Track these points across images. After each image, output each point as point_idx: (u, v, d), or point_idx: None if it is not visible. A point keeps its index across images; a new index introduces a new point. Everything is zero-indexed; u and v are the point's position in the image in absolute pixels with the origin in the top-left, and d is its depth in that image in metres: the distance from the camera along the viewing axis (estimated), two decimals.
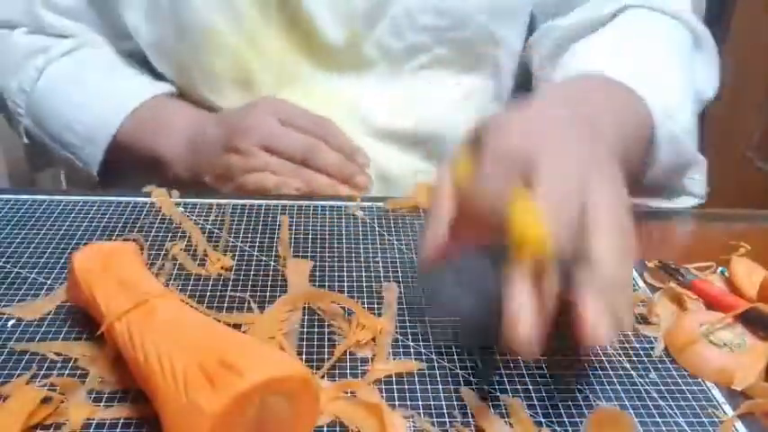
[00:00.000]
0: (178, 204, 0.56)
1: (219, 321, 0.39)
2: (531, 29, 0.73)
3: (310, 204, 0.58)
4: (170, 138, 0.66)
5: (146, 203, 0.56)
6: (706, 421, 0.38)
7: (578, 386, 0.40)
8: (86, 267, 0.41)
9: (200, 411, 0.31)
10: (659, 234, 0.56)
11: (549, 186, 0.35)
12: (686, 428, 0.37)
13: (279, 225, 0.54)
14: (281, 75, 0.68)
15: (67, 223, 0.53)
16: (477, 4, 0.67)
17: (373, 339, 0.42)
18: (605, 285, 0.34)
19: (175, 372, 0.33)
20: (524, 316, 0.33)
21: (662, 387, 0.40)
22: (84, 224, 0.53)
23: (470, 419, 0.37)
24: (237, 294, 0.46)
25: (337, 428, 0.36)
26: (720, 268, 0.50)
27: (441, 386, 0.39)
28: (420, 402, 0.38)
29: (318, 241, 0.53)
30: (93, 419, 0.36)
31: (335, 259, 0.50)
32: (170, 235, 0.52)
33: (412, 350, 0.42)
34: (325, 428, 0.36)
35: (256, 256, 0.50)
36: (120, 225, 0.53)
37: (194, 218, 0.55)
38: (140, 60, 0.72)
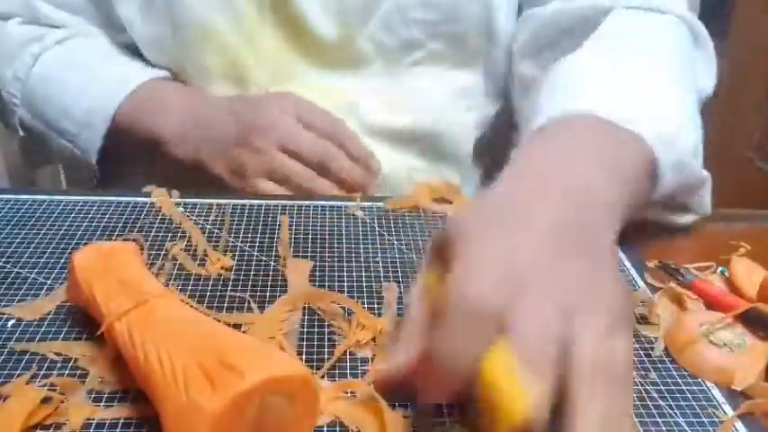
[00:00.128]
0: (178, 204, 0.56)
1: (219, 321, 0.39)
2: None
3: (310, 204, 0.58)
4: (168, 118, 0.65)
5: (146, 203, 0.56)
6: (706, 421, 0.38)
7: None
8: (86, 267, 0.41)
9: (200, 411, 0.31)
10: (659, 234, 0.56)
11: (525, 343, 0.31)
12: (686, 428, 0.37)
13: (279, 225, 0.54)
14: (276, 72, 0.68)
15: (67, 223, 0.53)
16: None
17: (373, 339, 0.42)
18: None
19: (175, 371, 0.33)
20: None
21: (662, 387, 0.40)
22: (84, 224, 0.53)
23: None
24: (237, 294, 0.46)
25: (337, 428, 0.36)
26: (720, 268, 0.50)
27: None
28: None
29: (318, 241, 0.53)
30: (93, 419, 0.36)
31: (335, 259, 0.50)
32: (170, 235, 0.52)
33: None
34: (325, 428, 0.36)
35: (256, 256, 0.50)
36: (120, 225, 0.53)
37: (194, 218, 0.55)
38: (136, 53, 0.71)
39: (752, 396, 0.40)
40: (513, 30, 0.70)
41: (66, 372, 0.39)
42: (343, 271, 0.49)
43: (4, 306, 0.44)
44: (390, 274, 0.49)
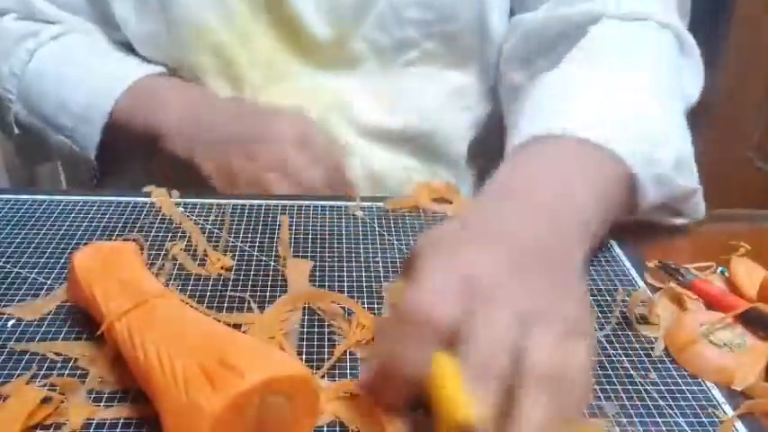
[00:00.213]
0: (178, 204, 0.56)
1: (219, 321, 0.39)
2: None
3: (310, 204, 0.58)
4: (168, 113, 0.65)
5: (146, 203, 0.56)
6: (706, 421, 0.38)
7: None
8: (86, 267, 0.41)
9: (200, 411, 0.31)
10: (659, 234, 0.56)
11: (475, 354, 0.32)
12: (686, 428, 0.37)
13: (279, 225, 0.54)
14: (270, 71, 0.68)
15: (67, 223, 0.53)
16: None
17: (373, 339, 0.42)
18: None
19: (175, 371, 0.33)
20: None
21: (662, 387, 0.40)
22: (84, 224, 0.53)
23: None
24: (237, 294, 0.46)
25: (337, 428, 0.36)
26: (720, 268, 0.50)
27: None
28: None
29: (318, 241, 0.53)
30: (93, 419, 0.36)
31: (335, 259, 0.50)
32: (170, 235, 0.52)
33: None
34: (325, 428, 0.36)
35: (256, 256, 0.50)
36: (120, 225, 0.53)
37: (194, 218, 0.55)
38: (132, 51, 0.71)
39: (752, 396, 0.40)
40: (505, 27, 0.70)
41: (67, 372, 0.39)
42: (343, 271, 0.49)
43: (4, 306, 0.44)
44: (390, 274, 0.49)
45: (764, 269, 0.49)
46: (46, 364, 0.39)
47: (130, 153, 0.69)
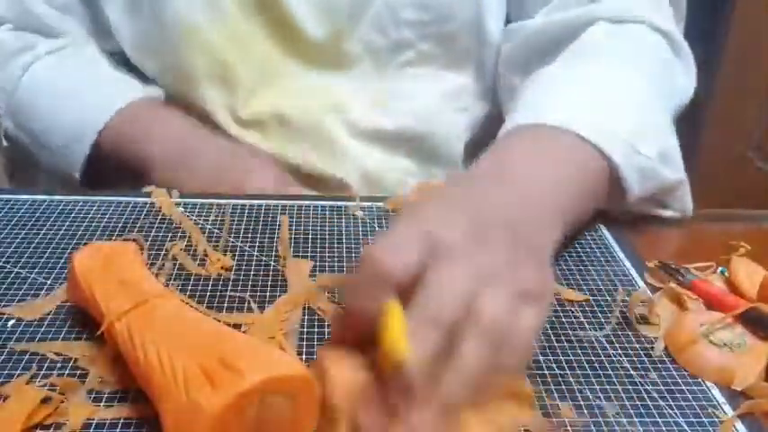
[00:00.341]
0: (178, 204, 0.56)
1: (219, 321, 0.39)
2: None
3: (310, 204, 0.58)
4: (162, 144, 0.65)
5: (146, 203, 0.56)
6: (706, 421, 0.38)
7: (578, 386, 0.40)
8: (86, 267, 0.41)
9: (200, 411, 0.31)
10: (659, 234, 0.56)
11: (427, 302, 0.34)
12: (686, 428, 0.37)
13: (279, 225, 0.54)
14: (264, 72, 0.68)
15: (67, 223, 0.53)
16: None
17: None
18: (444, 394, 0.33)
19: (175, 371, 0.33)
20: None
21: (662, 387, 0.40)
22: (84, 224, 0.53)
23: None
24: (237, 294, 0.46)
25: None
26: (720, 268, 0.50)
27: None
28: None
29: (318, 241, 0.53)
30: (93, 419, 0.36)
31: (335, 259, 0.50)
32: (170, 235, 0.52)
33: None
34: None
35: (256, 256, 0.50)
36: (120, 225, 0.53)
37: (194, 218, 0.55)
38: (125, 61, 0.71)
39: (752, 396, 0.40)
40: (501, 31, 0.70)
41: (67, 372, 0.39)
42: (343, 271, 0.49)
43: (4, 306, 0.44)
44: None
45: (764, 269, 0.49)
46: (46, 364, 0.39)
47: (117, 175, 0.69)
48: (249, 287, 0.47)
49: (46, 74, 0.70)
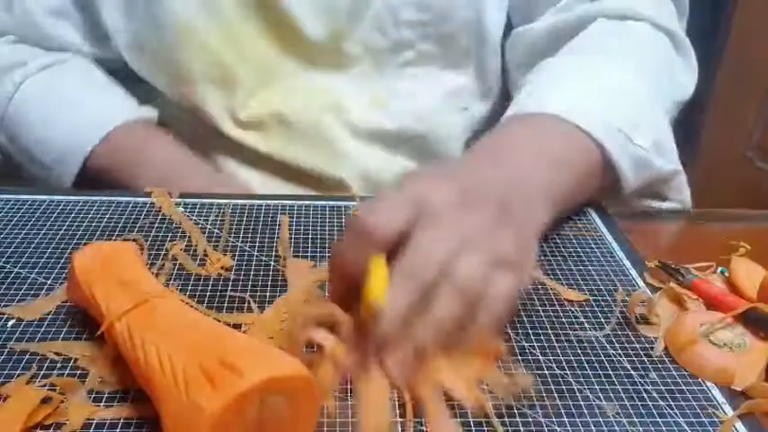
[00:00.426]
0: (178, 204, 0.56)
1: (219, 321, 0.39)
2: (506, 35, 0.73)
3: (310, 204, 0.58)
4: (148, 170, 0.65)
5: (146, 203, 0.56)
6: (706, 421, 0.38)
7: (578, 386, 0.40)
8: (86, 267, 0.41)
9: (200, 411, 0.31)
10: (659, 234, 0.56)
11: (409, 260, 0.37)
12: (686, 428, 0.37)
13: (279, 225, 0.54)
14: (263, 73, 0.68)
15: (67, 223, 0.53)
16: None
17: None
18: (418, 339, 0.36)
19: (175, 371, 0.33)
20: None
21: (662, 387, 0.40)
22: (85, 224, 0.53)
23: (469, 418, 0.37)
24: (237, 294, 0.46)
25: (337, 429, 0.36)
26: (720, 268, 0.50)
27: None
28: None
29: (318, 241, 0.53)
30: (93, 419, 0.36)
31: None
32: (170, 235, 0.52)
33: None
34: (325, 429, 0.36)
35: (256, 256, 0.50)
36: (120, 225, 0.53)
37: (194, 218, 0.55)
38: (123, 67, 0.71)
39: (752, 396, 0.40)
40: (500, 30, 0.71)
41: (66, 372, 0.39)
42: None
43: (4, 306, 0.44)
44: None
45: (764, 269, 0.49)
46: (46, 364, 0.39)
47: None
48: (249, 287, 0.47)
49: (37, 92, 0.70)
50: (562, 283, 0.49)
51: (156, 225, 0.54)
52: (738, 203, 0.66)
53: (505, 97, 0.74)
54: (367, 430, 0.34)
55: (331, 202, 0.58)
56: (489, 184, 0.43)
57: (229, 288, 0.47)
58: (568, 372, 0.41)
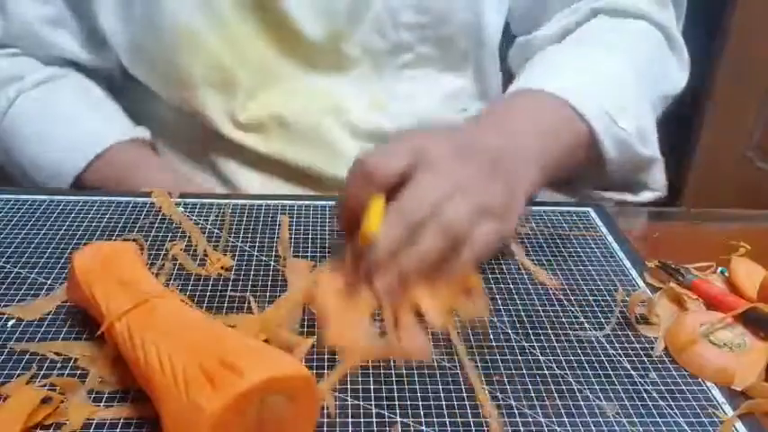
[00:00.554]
0: (178, 204, 0.56)
1: (219, 321, 0.39)
2: (505, 38, 0.74)
3: (310, 204, 0.58)
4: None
5: (146, 203, 0.56)
6: (706, 421, 0.38)
7: (578, 386, 0.40)
8: (86, 267, 0.41)
9: (200, 411, 0.31)
10: (659, 234, 0.56)
11: (404, 200, 0.43)
12: (686, 428, 0.37)
13: (279, 225, 0.54)
14: (262, 75, 0.67)
15: (67, 223, 0.53)
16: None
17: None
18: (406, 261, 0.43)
19: (176, 371, 0.33)
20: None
21: (662, 387, 0.40)
22: (85, 224, 0.53)
23: (470, 420, 0.37)
24: (237, 294, 0.46)
25: (337, 429, 0.36)
26: (720, 268, 0.50)
27: (440, 386, 0.39)
28: (420, 403, 0.38)
29: (318, 241, 0.53)
30: (93, 419, 0.36)
31: None
32: (170, 235, 0.52)
33: None
34: (325, 428, 0.36)
35: (256, 256, 0.50)
36: (120, 225, 0.53)
37: (194, 218, 0.55)
38: (123, 74, 0.71)
39: (752, 396, 0.40)
40: (500, 32, 0.72)
41: (66, 372, 0.39)
42: None
43: (4, 306, 0.44)
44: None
45: (764, 269, 0.49)
46: (46, 364, 0.39)
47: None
48: (249, 287, 0.47)
49: (31, 108, 0.69)
50: (562, 285, 0.49)
51: (156, 225, 0.54)
52: (738, 203, 0.67)
53: None
54: (332, 337, 0.41)
55: (331, 202, 0.58)
56: (484, 143, 0.49)
57: (229, 288, 0.47)
58: (568, 372, 0.41)
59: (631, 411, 0.38)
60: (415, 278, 0.43)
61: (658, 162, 0.63)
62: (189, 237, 0.52)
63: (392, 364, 0.41)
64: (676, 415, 0.38)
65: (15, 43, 0.70)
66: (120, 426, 0.36)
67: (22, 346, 0.40)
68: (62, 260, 0.49)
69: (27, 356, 0.40)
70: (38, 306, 0.44)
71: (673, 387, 0.40)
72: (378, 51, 0.68)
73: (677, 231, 0.57)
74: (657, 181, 0.64)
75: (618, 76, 0.62)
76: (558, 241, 0.54)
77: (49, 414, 0.36)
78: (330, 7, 0.65)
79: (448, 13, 0.67)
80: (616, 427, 0.37)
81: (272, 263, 0.50)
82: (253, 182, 0.70)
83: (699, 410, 0.39)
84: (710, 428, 0.37)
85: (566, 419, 0.37)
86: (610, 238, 0.55)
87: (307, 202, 0.58)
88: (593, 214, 0.58)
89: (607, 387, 0.40)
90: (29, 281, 0.46)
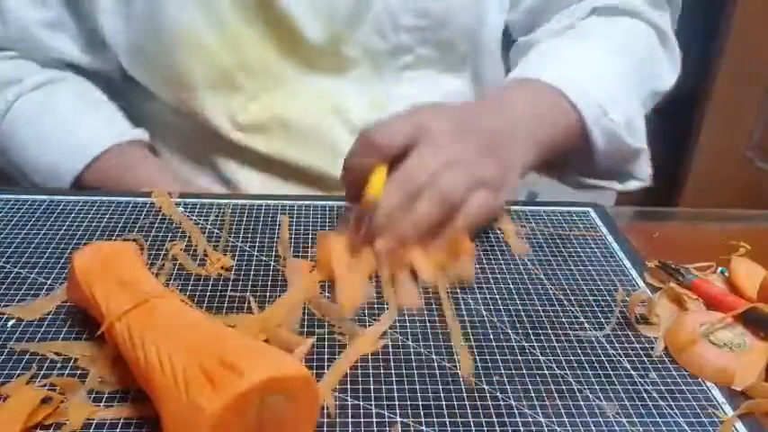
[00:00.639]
0: (178, 204, 0.56)
1: (219, 321, 0.39)
2: (505, 43, 0.76)
3: (310, 204, 0.58)
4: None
5: (146, 203, 0.56)
6: (706, 421, 0.38)
7: (578, 386, 0.40)
8: (86, 267, 0.41)
9: (200, 411, 0.31)
10: (659, 234, 0.56)
11: (404, 170, 0.47)
12: (686, 428, 0.37)
13: (279, 225, 0.54)
14: (262, 76, 0.68)
15: (67, 223, 0.53)
16: (459, 3, 0.67)
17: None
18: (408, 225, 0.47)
19: (176, 371, 0.33)
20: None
21: (662, 387, 0.40)
22: (85, 224, 0.53)
23: (469, 419, 0.37)
24: (237, 294, 0.46)
25: (337, 429, 0.36)
26: (720, 268, 0.50)
27: (440, 386, 0.39)
28: (420, 403, 0.38)
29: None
30: (93, 419, 0.36)
31: None
32: (170, 235, 0.52)
33: (411, 350, 0.42)
34: (325, 428, 0.36)
35: (256, 256, 0.50)
36: (120, 225, 0.53)
37: (194, 218, 0.55)
38: (123, 77, 0.71)
39: (752, 396, 0.40)
40: (500, 35, 0.74)
41: (66, 372, 0.39)
42: None
43: (4, 306, 0.44)
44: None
45: (764, 269, 0.49)
46: (46, 364, 0.39)
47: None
48: (249, 287, 0.47)
49: (29, 111, 0.69)
50: (563, 286, 0.49)
51: (156, 225, 0.54)
52: (738, 203, 0.67)
53: None
54: (342, 298, 0.45)
55: (331, 202, 0.58)
56: (482, 123, 0.52)
57: (229, 288, 0.47)
58: (568, 372, 0.41)
59: (631, 411, 0.38)
60: (411, 240, 0.47)
61: (645, 153, 0.66)
62: (189, 237, 0.52)
63: (392, 364, 0.41)
64: (676, 415, 0.38)
65: (14, 46, 0.70)
66: (120, 426, 0.36)
67: (22, 346, 0.40)
68: (62, 260, 0.49)
69: (27, 356, 0.40)
70: (38, 306, 0.44)
71: (673, 387, 0.40)
72: (378, 53, 0.68)
73: (677, 231, 0.57)
74: (643, 171, 0.67)
75: (611, 70, 0.65)
76: (558, 241, 0.54)
77: (49, 414, 0.36)
78: (330, 9, 0.65)
79: (448, 17, 0.67)
80: (616, 427, 0.37)
81: (272, 263, 0.50)
82: (253, 181, 0.70)
83: (699, 410, 0.39)
84: (710, 428, 0.37)
85: (566, 419, 0.37)
86: (610, 238, 0.55)
87: (307, 202, 0.58)
88: (593, 214, 0.58)
89: (607, 387, 0.40)
90: (29, 281, 0.46)
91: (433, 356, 0.41)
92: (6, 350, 0.40)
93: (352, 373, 0.40)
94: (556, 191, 0.71)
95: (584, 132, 0.60)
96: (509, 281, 0.49)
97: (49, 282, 0.46)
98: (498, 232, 0.55)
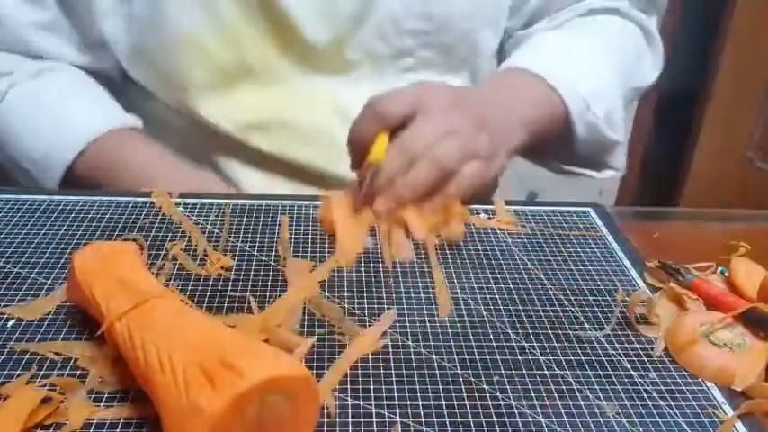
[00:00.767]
0: (178, 204, 0.56)
1: (219, 321, 0.39)
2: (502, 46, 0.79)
3: (310, 204, 0.58)
4: (133, 172, 0.66)
5: (146, 203, 0.56)
6: (706, 421, 0.38)
7: (578, 386, 0.40)
8: (86, 267, 0.41)
9: (200, 411, 0.31)
10: (659, 234, 0.56)
11: (404, 138, 0.51)
12: (686, 428, 0.37)
13: (279, 225, 0.54)
14: (264, 77, 0.68)
15: (67, 223, 0.53)
16: (460, 9, 0.68)
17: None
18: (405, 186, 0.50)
19: (175, 371, 0.33)
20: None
21: (662, 387, 0.40)
22: (84, 224, 0.53)
23: (469, 419, 0.37)
24: (237, 294, 0.46)
25: (337, 429, 0.36)
26: (720, 268, 0.50)
27: (440, 386, 0.39)
28: (420, 403, 0.38)
29: (318, 241, 0.53)
30: (93, 419, 0.36)
31: None
32: (170, 235, 0.52)
33: (411, 350, 0.42)
34: (325, 428, 0.36)
35: (256, 256, 0.50)
36: (120, 225, 0.53)
37: (194, 218, 0.55)
38: (122, 76, 0.71)
39: (752, 396, 0.40)
40: (498, 40, 0.76)
41: (66, 372, 0.39)
42: (342, 271, 0.49)
43: (4, 306, 0.44)
44: (390, 274, 0.49)
45: (764, 269, 0.49)
46: (46, 364, 0.39)
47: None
48: (249, 287, 0.47)
49: (22, 101, 0.69)
50: (563, 286, 0.49)
51: (156, 225, 0.54)
52: (738, 203, 0.67)
53: None
54: (342, 249, 0.48)
55: None
56: (479, 101, 0.57)
57: (229, 288, 0.47)
58: (568, 372, 0.41)
59: (631, 411, 0.38)
60: (408, 202, 0.50)
61: (621, 145, 0.72)
62: (189, 237, 0.52)
63: (392, 364, 0.41)
64: (676, 415, 0.38)
65: (10, 49, 0.70)
66: (120, 426, 0.36)
67: (22, 346, 0.40)
68: (62, 260, 0.49)
69: (27, 356, 0.40)
70: (38, 306, 0.44)
71: (673, 387, 0.40)
72: (380, 56, 0.68)
73: (677, 231, 0.57)
74: (619, 161, 0.73)
75: (597, 64, 0.70)
76: (558, 241, 0.54)
77: (49, 414, 0.36)
78: (333, 12, 0.65)
79: (449, 22, 0.68)
80: (616, 427, 0.37)
81: (272, 263, 0.50)
82: (254, 180, 0.70)
83: (699, 410, 0.39)
84: (710, 428, 0.37)
85: (566, 419, 0.37)
86: (610, 238, 0.55)
87: (307, 202, 0.58)
88: (593, 214, 0.58)
89: (607, 387, 0.40)
90: (29, 281, 0.46)
91: (433, 356, 0.41)
92: (6, 350, 0.40)
93: (352, 373, 0.40)
94: (556, 191, 0.72)
95: (567, 123, 0.65)
96: (509, 281, 0.49)
97: (49, 282, 0.46)
98: (498, 232, 0.55)
